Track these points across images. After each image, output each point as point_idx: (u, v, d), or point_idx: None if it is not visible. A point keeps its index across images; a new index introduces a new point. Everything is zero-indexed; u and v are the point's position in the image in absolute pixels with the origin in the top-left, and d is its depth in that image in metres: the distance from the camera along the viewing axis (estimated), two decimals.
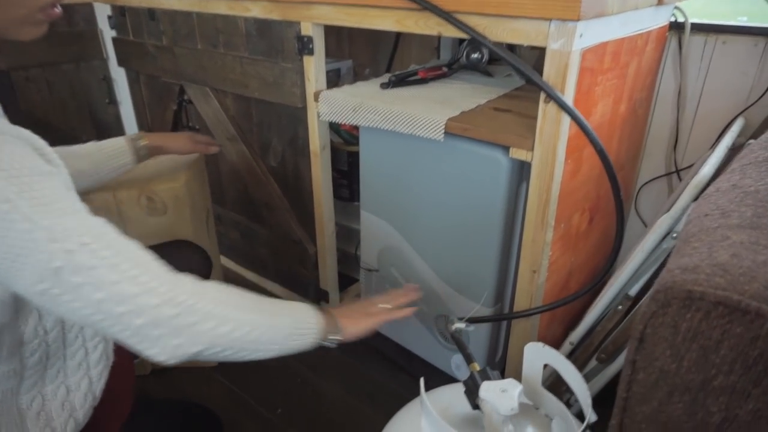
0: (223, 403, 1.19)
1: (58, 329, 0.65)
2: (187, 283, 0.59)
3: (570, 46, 0.74)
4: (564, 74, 0.76)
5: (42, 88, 1.59)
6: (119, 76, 1.67)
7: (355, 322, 0.74)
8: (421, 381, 0.70)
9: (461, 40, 1.32)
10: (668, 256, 0.85)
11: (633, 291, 0.91)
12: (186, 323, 0.56)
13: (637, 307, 0.90)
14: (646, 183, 1.33)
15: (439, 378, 1.17)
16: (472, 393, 0.67)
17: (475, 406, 0.68)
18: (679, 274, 0.38)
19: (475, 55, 1.26)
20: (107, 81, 1.70)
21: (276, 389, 1.22)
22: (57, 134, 1.61)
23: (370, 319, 0.76)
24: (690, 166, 1.21)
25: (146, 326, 0.54)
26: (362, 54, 1.66)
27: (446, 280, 1.08)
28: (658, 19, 1.07)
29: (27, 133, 0.54)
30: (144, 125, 1.65)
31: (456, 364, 1.16)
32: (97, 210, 1.09)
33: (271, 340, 0.64)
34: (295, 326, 0.66)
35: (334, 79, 1.38)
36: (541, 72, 0.78)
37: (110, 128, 1.75)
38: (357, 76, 1.65)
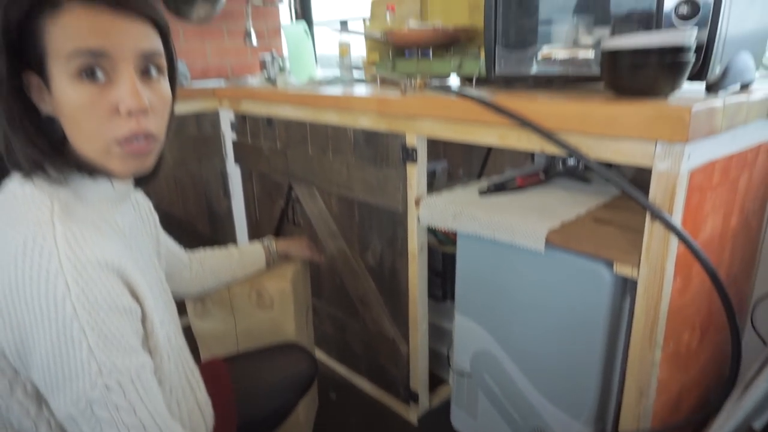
0: None
1: None
2: None
3: (678, 168, 0.74)
4: (671, 195, 0.76)
5: (169, 182, 1.79)
6: (234, 172, 1.84)
7: None
8: None
9: None
10: None
11: (758, 424, 0.82)
12: None
13: None
14: (764, 296, 1.24)
15: None
16: None
17: None
18: None
19: (571, 162, 1.28)
20: (223, 176, 1.88)
21: None
22: (177, 223, 1.79)
23: None
24: None
25: None
26: (456, 155, 1.74)
27: (542, 392, 1.04)
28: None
29: (124, 265, 0.60)
30: (252, 218, 1.79)
31: None
32: (213, 303, 1.19)
33: None
34: None
35: (429, 180, 1.44)
36: (643, 183, 0.79)
37: (223, 219, 1.92)
38: (451, 176, 1.72)
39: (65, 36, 0.58)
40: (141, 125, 0.62)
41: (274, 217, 1.66)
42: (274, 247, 1.17)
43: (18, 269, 0.53)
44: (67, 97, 0.59)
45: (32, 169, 0.61)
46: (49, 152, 0.61)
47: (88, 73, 0.59)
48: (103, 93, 0.60)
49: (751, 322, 1.27)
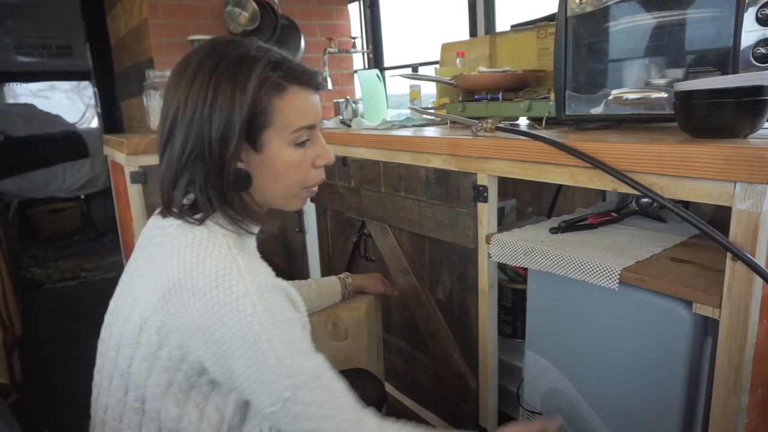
0: None
1: None
2: (371, 424, 0.72)
3: (760, 207, 0.73)
4: (754, 234, 0.75)
5: None
6: (308, 209, 1.94)
7: None
8: None
9: None
10: None
11: None
12: None
13: None
14: None
15: None
16: None
17: None
18: None
19: (645, 200, 1.27)
20: (299, 213, 1.99)
21: None
22: None
23: None
24: None
25: None
26: (525, 193, 1.75)
27: None
28: None
29: (286, 286, 0.71)
30: (325, 252, 1.87)
31: None
32: None
33: None
34: None
35: (498, 217, 1.47)
36: (723, 221, 0.78)
37: (297, 253, 2.01)
38: (520, 214, 1.73)
39: (291, 113, 0.74)
40: (324, 174, 0.82)
41: (347, 253, 1.73)
42: (349, 282, 1.23)
43: (213, 296, 0.65)
44: (283, 158, 0.75)
45: (211, 214, 0.73)
46: (235, 202, 0.75)
47: (303, 141, 0.77)
48: (306, 152, 0.78)
49: None
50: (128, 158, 1.73)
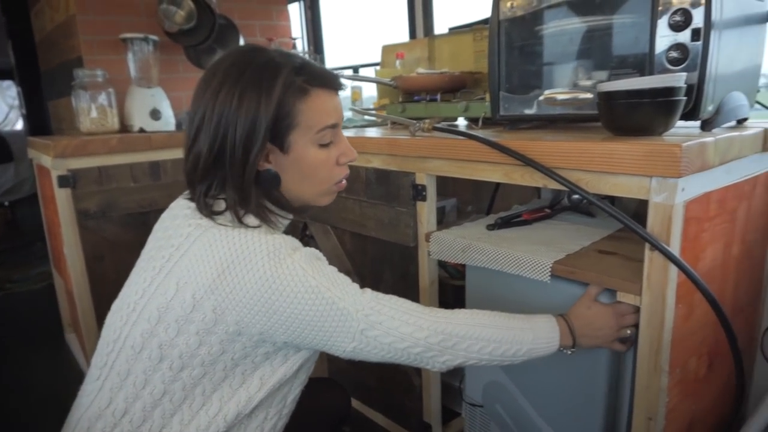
0: None
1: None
2: (441, 315, 0.81)
3: (673, 200, 0.79)
4: (668, 226, 0.80)
5: None
6: None
7: (594, 341, 0.89)
8: None
9: None
10: None
11: None
12: (447, 345, 0.79)
13: None
14: None
15: None
16: None
17: None
18: None
19: (576, 197, 1.33)
20: None
21: None
22: None
23: (608, 341, 0.89)
24: None
25: (422, 352, 0.78)
26: (465, 192, 1.79)
27: (550, 421, 1.05)
28: (764, 163, 1.09)
29: (315, 251, 0.79)
30: None
31: None
32: None
33: (514, 354, 0.83)
34: (535, 343, 0.84)
35: (439, 216, 1.49)
36: (645, 216, 0.83)
37: None
38: (460, 212, 1.77)
39: (315, 115, 0.78)
40: (348, 170, 0.88)
41: None
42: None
43: (267, 269, 0.71)
44: (310, 157, 0.80)
45: (242, 204, 0.77)
46: (261, 200, 0.80)
47: (327, 142, 0.82)
48: (331, 151, 0.83)
49: (761, 351, 1.28)
50: (55, 161, 1.64)
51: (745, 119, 1.05)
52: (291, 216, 0.88)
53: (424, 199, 1.19)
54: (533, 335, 0.84)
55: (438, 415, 1.37)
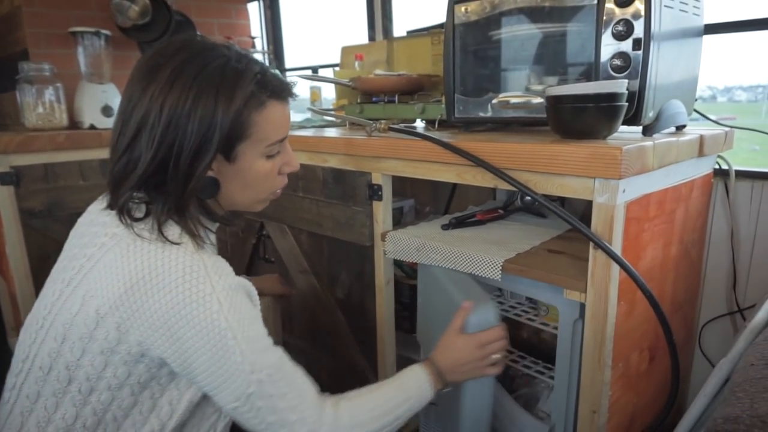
0: None
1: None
2: (328, 410, 0.76)
3: (614, 201, 0.82)
4: (610, 225, 0.83)
5: None
6: None
7: (460, 377, 0.91)
8: None
9: None
10: None
11: None
12: None
13: None
14: (709, 321, 1.32)
15: None
16: None
17: None
18: (721, 424, 0.42)
19: (528, 198, 1.37)
20: None
21: None
22: None
23: (477, 374, 0.92)
24: (752, 306, 1.21)
25: None
26: (423, 193, 1.81)
27: (506, 413, 1.08)
28: (701, 168, 1.15)
29: (245, 282, 0.73)
30: (224, 255, 1.81)
31: None
32: None
33: (397, 425, 0.83)
34: (415, 407, 0.85)
35: (397, 217, 1.51)
36: (590, 222, 0.86)
37: None
38: (418, 213, 1.79)
39: (269, 127, 0.74)
40: (287, 179, 0.84)
41: (246, 254, 1.69)
42: (257, 295, 1.17)
43: (179, 293, 0.65)
44: (255, 169, 0.76)
45: (178, 214, 0.72)
46: (203, 207, 0.76)
47: (275, 153, 0.78)
48: (276, 161, 0.79)
49: (700, 347, 1.35)
50: None
51: (684, 126, 1.11)
52: (216, 225, 0.82)
53: (380, 198, 1.20)
54: (409, 405, 0.85)
55: None
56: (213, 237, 0.84)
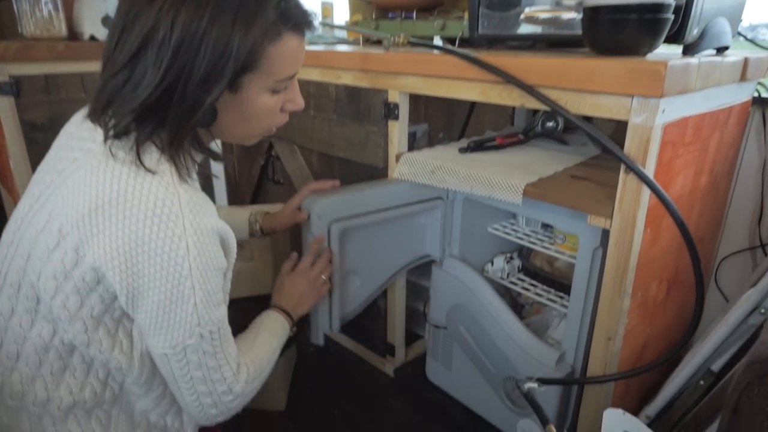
0: None
1: None
2: (243, 372, 0.75)
3: (652, 121, 0.77)
4: (645, 148, 0.78)
5: None
6: None
7: (304, 308, 0.96)
8: None
9: (536, 109, 1.38)
10: (756, 331, 0.83)
11: (716, 366, 0.88)
12: (233, 407, 0.75)
13: (723, 380, 0.86)
14: (727, 256, 1.29)
15: None
16: None
17: None
18: None
19: (550, 124, 1.30)
20: None
21: None
22: None
23: (315, 299, 0.99)
24: None
25: (209, 405, 0.72)
26: (437, 118, 1.75)
27: (516, 340, 1.08)
28: (741, 94, 1.08)
29: (224, 227, 0.68)
30: (231, 176, 1.78)
31: (522, 429, 1.14)
32: None
33: (272, 362, 0.84)
34: (281, 343, 0.88)
35: (409, 142, 1.45)
36: (620, 143, 0.81)
37: (201, 177, 1.90)
38: (431, 139, 1.73)
39: (281, 61, 0.68)
40: (288, 117, 0.78)
41: (254, 176, 1.65)
42: (258, 227, 1.12)
43: (147, 226, 0.60)
44: (258, 103, 0.70)
45: (171, 145, 0.65)
46: (195, 137, 0.70)
47: (281, 89, 0.72)
48: (280, 98, 0.73)
49: (715, 281, 1.33)
50: None
51: (726, 48, 1.03)
52: (201, 157, 0.75)
53: (396, 118, 1.14)
54: (280, 341, 0.88)
55: (402, 337, 1.39)
56: (195, 169, 0.76)
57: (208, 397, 0.71)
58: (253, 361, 0.79)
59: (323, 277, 1.00)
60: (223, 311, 0.70)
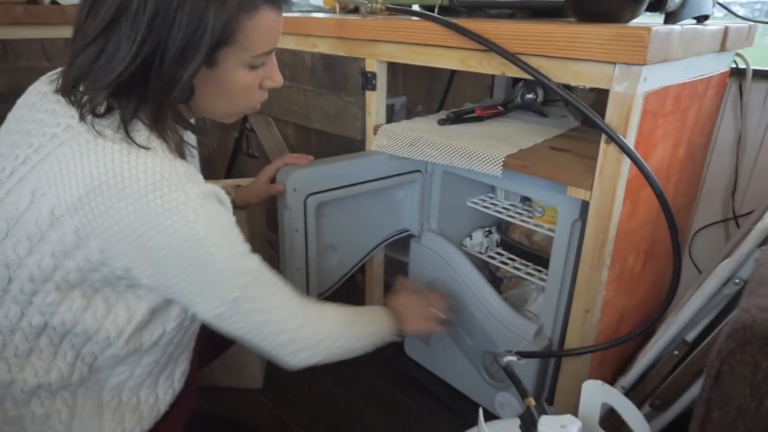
0: (267, 424, 1.21)
1: (180, 337, 0.76)
2: (313, 308, 0.77)
3: (634, 90, 0.75)
4: (626, 117, 0.77)
5: None
6: None
7: (415, 326, 0.96)
8: (480, 411, 0.70)
9: (515, 81, 1.35)
10: (730, 301, 0.83)
11: (690, 336, 0.89)
12: (314, 341, 0.75)
13: (698, 350, 0.87)
14: (702, 228, 1.31)
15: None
16: (528, 428, 0.67)
17: None
18: (758, 313, 0.38)
19: (530, 95, 1.29)
20: None
21: (319, 416, 1.23)
22: None
23: (427, 325, 0.98)
24: (749, 213, 1.19)
25: (287, 342, 0.73)
26: (416, 91, 1.71)
27: (494, 314, 1.08)
28: (719, 65, 1.07)
29: (216, 189, 0.66)
30: (206, 149, 1.73)
31: (500, 402, 1.15)
32: None
33: (362, 347, 0.84)
34: (377, 334, 0.88)
35: (387, 115, 1.42)
36: (601, 113, 0.80)
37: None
38: (410, 112, 1.70)
39: (258, 36, 0.65)
40: (267, 95, 0.77)
41: (228, 149, 1.61)
42: (231, 198, 1.06)
43: (149, 201, 0.58)
44: (235, 79, 0.68)
45: (155, 121, 0.63)
46: (175, 112, 0.68)
47: (259, 64, 0.70)
48: (258, 73, 0.71)
49: (689, 253, 1.35)
50: None
51: (707, 17, 1.02)
52: (184, 132, 0.73)
53: (373, 88, 1.11)
54: (376, 328, 0.88)
55: None
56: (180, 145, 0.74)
57: (280, 336, 0.72)
58: (336, 314, 0.80)
59: (442, 315, 1.01)
60: (256, 259, 0.69)
